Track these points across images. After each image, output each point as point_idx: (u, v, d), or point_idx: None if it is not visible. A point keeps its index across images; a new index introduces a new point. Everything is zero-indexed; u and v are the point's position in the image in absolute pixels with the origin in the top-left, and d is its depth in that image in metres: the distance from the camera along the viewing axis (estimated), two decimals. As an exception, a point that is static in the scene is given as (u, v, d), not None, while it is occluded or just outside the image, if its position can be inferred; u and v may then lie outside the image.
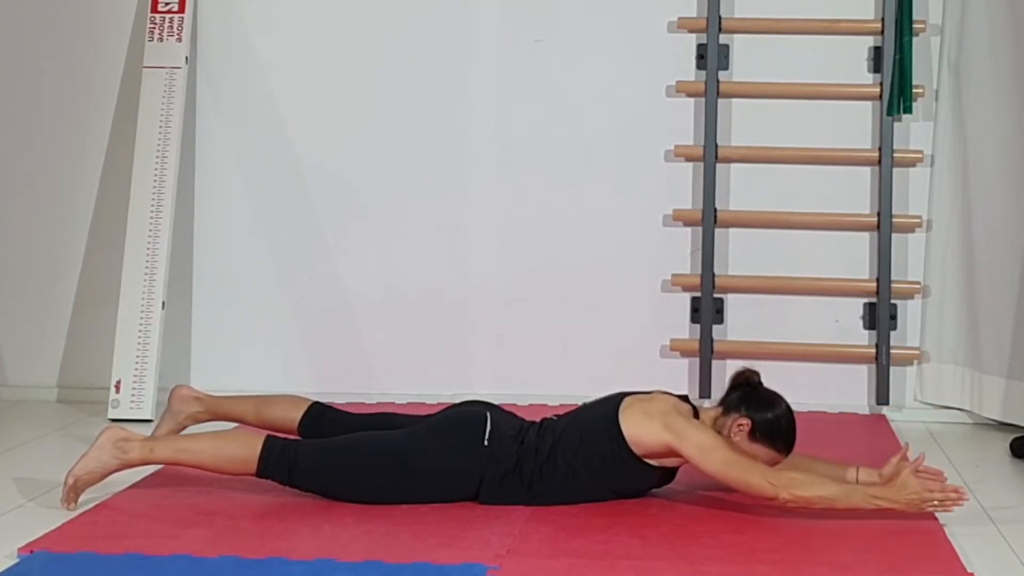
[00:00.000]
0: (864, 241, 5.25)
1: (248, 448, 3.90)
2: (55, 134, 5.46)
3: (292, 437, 4.00)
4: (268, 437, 3.93)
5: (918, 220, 5.22)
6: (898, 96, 5.10)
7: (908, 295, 5.23)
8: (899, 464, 4.06)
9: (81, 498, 3.89)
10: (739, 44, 5.28)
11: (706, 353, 5.24)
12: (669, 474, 3.98)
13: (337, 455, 3.90)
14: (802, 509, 3.80)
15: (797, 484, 3.74)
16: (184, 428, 4.33)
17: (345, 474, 3.89)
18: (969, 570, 3.38)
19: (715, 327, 5.27)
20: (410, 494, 3.88)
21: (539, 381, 5.30)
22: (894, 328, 5.20)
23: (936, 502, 3.73)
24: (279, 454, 3.89)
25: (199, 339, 5.44)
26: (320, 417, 4.18)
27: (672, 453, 3.86)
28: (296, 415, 4.19)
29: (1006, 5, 5.00)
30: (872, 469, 4.09)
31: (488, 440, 3.89)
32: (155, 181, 5.24)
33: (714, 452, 3.79)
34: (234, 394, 4.49)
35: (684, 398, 4.01)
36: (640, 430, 3.86)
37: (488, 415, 3.96)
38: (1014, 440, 4.66)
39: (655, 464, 3.91)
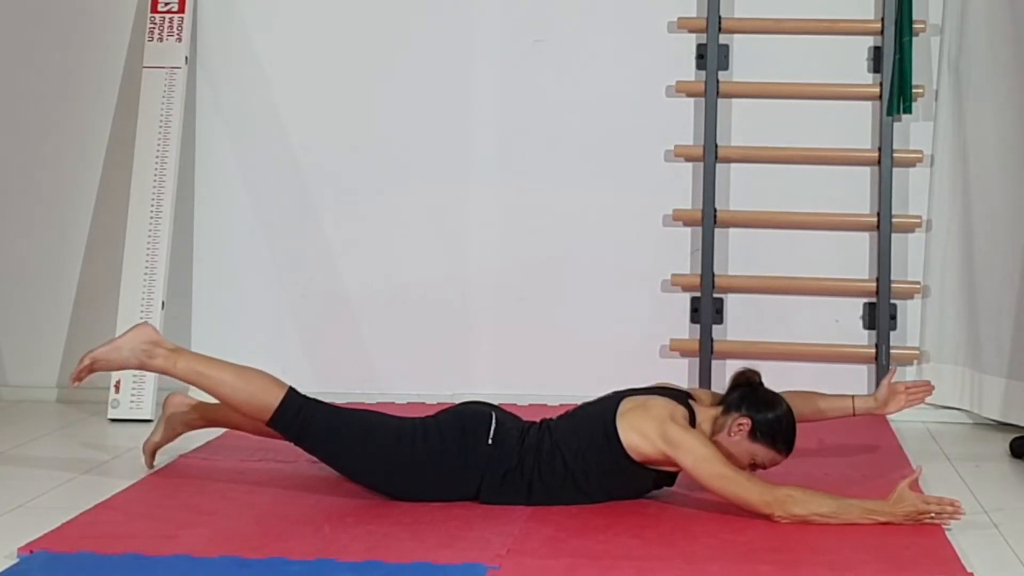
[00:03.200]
0: (864, 241, 5.25)
1: (269, 394, 3.91)
2: (55, 134, 5.46)
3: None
4: (290, 390, 3.93)
5: (918, 220, 5.22)
6: (898, 96, 5.10)
7: (908, 295, 5.23)
8: (890, 385, 4.15)
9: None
10: (739, 44, 5.28)
11: (706, 353, 5.24)
12: (668, 478, 3.98)
13: (349, 433, 3.91)
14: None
15: (792, 502, 3.73)
16: (179, 435, 4.33)
17: (352, 452, 3.90)
18: (969, 570, 3.38)
19: (715, 327, 5.27)
20: (412, 488, 3.88)
21: (539, 381, 5.31)
22: (894, 328, 5.21)
23: (933, 515, 3.73)
24: (296, 411, 3.90)
25: (199, 339, 5.43)
26: None
27: (669, 462, 3.85)
28: None
29: (1006, 5, 5.00)
30: (867, 396, 4.17)
31: (492, 439, 3.90)
32: (155, 181, 5.24)
33: (709, 465, 3.78)
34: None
35: (686, 395, 4.01)
36: (637, 438, 3.85)
37: (493, 414, 3.96)
38: (1014, 440, 4.67)
39: (653, 469, 3.91)
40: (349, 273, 5.41)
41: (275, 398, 3.91)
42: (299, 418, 3.90)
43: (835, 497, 3.79)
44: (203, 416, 4.31)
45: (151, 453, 4.29)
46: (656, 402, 3.93)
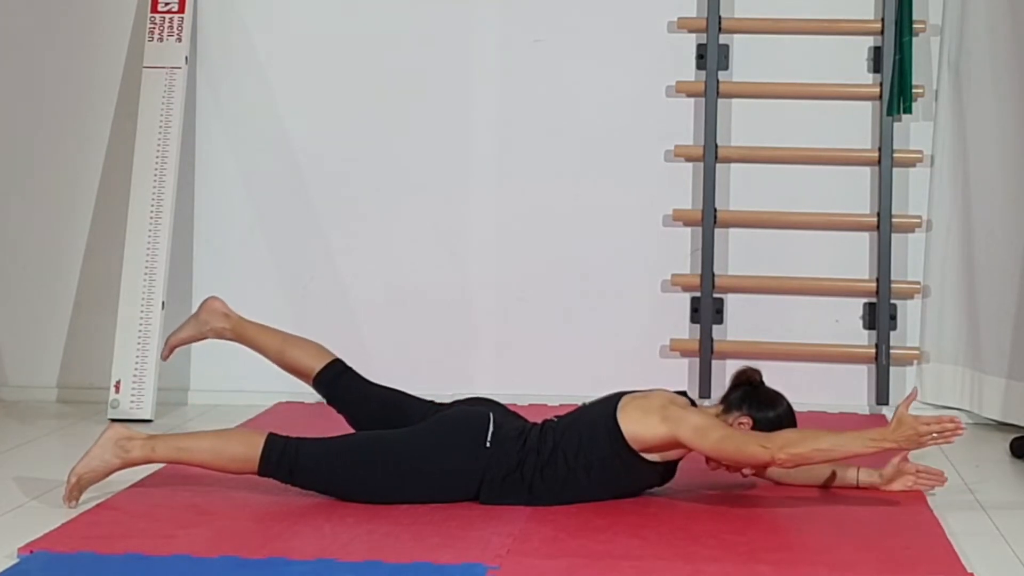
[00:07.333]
0: (864, 241, 5.25)
1: (250, 447, 3.90)
2: (55, 134, 5.46)
3: (293, 436, 3.99)
4: (270, 436, 3.92)
5: (918, 220, 5.22)
6: (898, 96, 5.11)
7: (908, 295, 5.23)
8: (899, 465, 4.06)
9: (82, 497, 3.89)
10: (739, 44, 5.28)
11: (706, 353, 5.24)
12: (669, 471, 3.98)
13: (339, 455, 3.90)
14: (803, 500, 3.83)
15: (791, 442, 3.74)
16: (204, 339, 4.33)
17: (346, 474, 3.89)
18: (969, 570, 3.38)
19: (715, 327, 5.27)
20: (411, 494, 3.88)
21: (539, 381, 5.30)
22: (894, 328, 5.21)
23: (935, 434, 3.72)
24: (280, 453, 3.89)
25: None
26: (338, 375, 4.18)
27: (672, 445, 3.86)
28: (316, 366, 4.19)
29: (1006, 5, 5.00)
30: (872, 469, 4.09)
31: (490, 441, 3.90)
32: (155, 181, 5.24)
33: (709, 431, 3.80)
34: (262, 324, 4.38)
35: (683, 394, 4.01)
36: (638, 426, 3.86)
37: (491, 416, 3.96)
38: (1014, 440, 4.67)
39: (655, 460, 3.90)
40: (349, 273, 5.41)
41: (256, 448, 3.89)
42: (285, 459, 3.89)
43: (834, 432, 3.79)
44: (234, 330, 4.28)
45: (172, 348, 4.33)
46: (656, 394, 3.97)
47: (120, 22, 5.44)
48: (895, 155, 5.17)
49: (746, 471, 3.90)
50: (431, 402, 4.16)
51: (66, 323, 5.49)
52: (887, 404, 5.18)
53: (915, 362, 5.24)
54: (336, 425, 4.19)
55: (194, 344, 5.38)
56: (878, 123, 5.20)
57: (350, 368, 4.24)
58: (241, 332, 4.29)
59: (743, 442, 3.78)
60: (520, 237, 5.36)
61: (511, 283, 5.37)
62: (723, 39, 5.25)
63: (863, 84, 5.22)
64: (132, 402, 5.09)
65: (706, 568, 3.39)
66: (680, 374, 5.27)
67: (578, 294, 5.34)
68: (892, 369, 5.19)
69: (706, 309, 5.25)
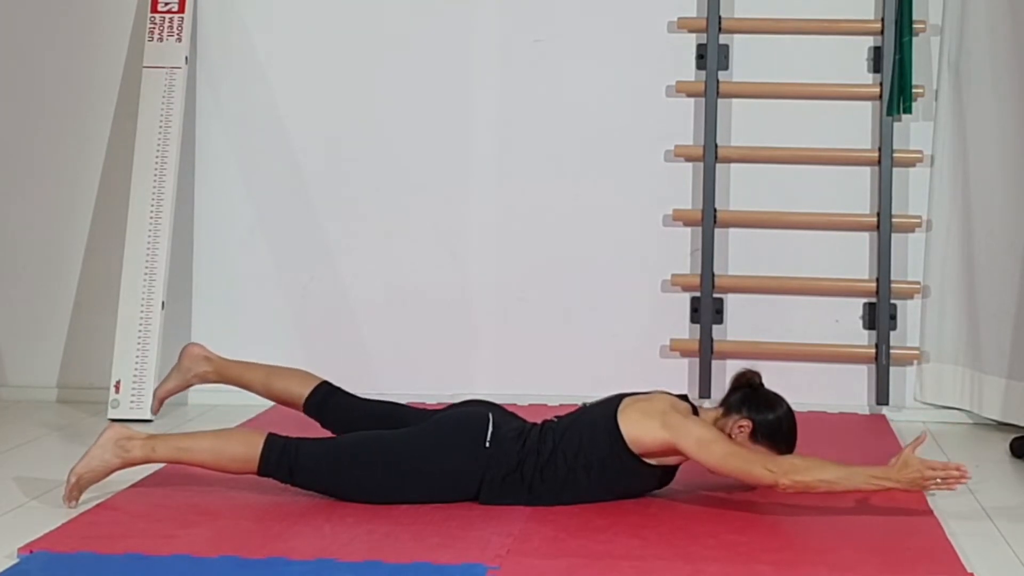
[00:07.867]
0: (864, 241, 5.25)
1: (250, 447, 3.90)
2: (55, 134, 5.47)
3: (293, 436, 3.99)
4: (269, 436, 3.92)
5: (918, 220, 5.22)
6: (898, 96, 5.11)
7: (908, 295, 5.23)
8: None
9: (82, 497, 3.89)
10: (739, 44, 5.28)
11: (706, 353, 5.24)
12: (669, 474, 3.98)
13: (339, 455, 3.90)
14: (802, 504, 3.84)
15: (796, 469, 3.73)
16: (190, 386, 4.38)
17: (346, 474, 3.89)
18: (969, 570, 3.38)
19: (715, 327, 5.27)
20: (411, 494, 3.88)
21: (539, 381, 5.30)
22: (894, 328, 5.21)
23: (939, 480, 3.72)
24: (280, 453, 3.89)
25: (199, 339, 5.41)
26: (327, 397, 4.18)
27: (672, 451, 3.86)
28: (304, 391, 4.20)
29: (1006, 5, 5.00)
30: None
31: (490, 442, 3.89)
32: (155, 181, 5.24)
33: (712, 445, 3.79)
34: (245, 360, 4.44)
35: (683, 397, 4.01)
36: (639, 429, 3.85)
37: (490, 416, 3.96)
38: (1014, 440, 4.67)
39: (655, 464, 3.91)
40: (349, 273, 5.41)
41: (256, 448, 3.90)
42: (284, 458, 3.89)
43: (839, 464, 3.78)
44: (217, 371, 4.32)
45: (160, 400, 4.37)
46: (657, 397, 3.96)
47: (120, 22, 5.44)
48: (895, 155, 5.17)
49: None
50: (424, 410, 4.15)
51: (66, 323, 5.49)
52: (887, 404, 5.18)
53: (915, 362, 5.24)
54: (336, 425, 4.19)
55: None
56: (878, 123, 5.20)
57: (338, 388, 4.23)
58: (224, 373, 4.33)
59: (748, 462, 3.77)
60: (520, 237, 5.36)
61: (511, 283, 5.37)
62: (723, 39, 5.25)
63: (863, 84, 5.22)
64: (132, 402, 5.09)
65: (706, 568, 3.39)
66: (680, 374, 5.27)
67: (578, 294, 5.34)
68: (892, 369, 5.19)
69: (706, 309, 5.25)
